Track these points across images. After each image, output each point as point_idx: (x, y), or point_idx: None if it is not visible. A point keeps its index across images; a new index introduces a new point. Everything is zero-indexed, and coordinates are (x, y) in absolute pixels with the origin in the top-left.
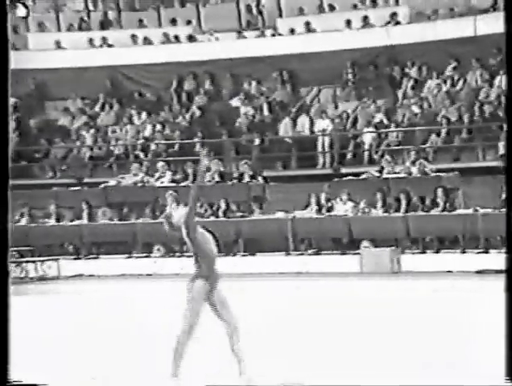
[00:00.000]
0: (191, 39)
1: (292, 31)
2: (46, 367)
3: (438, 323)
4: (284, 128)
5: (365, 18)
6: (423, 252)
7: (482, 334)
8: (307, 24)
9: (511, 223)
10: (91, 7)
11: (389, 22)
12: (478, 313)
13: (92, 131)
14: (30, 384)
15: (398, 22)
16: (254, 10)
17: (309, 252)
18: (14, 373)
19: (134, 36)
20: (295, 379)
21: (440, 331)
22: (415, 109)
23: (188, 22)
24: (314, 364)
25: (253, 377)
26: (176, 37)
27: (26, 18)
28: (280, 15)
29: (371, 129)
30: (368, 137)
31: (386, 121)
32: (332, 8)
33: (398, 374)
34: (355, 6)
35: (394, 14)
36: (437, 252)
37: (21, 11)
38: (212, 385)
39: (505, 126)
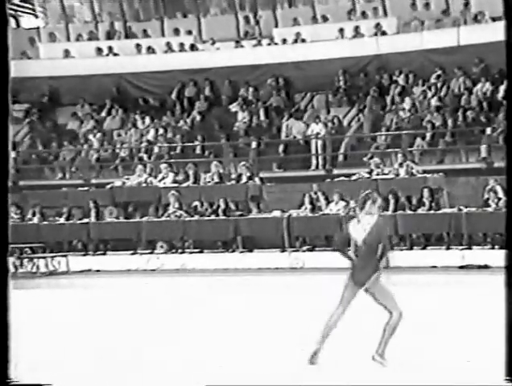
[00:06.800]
0: (192, 48)
1: (287, 41)
2: (58, 358)
3: (428, 317)
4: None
5: (356, 28)
6: (411, 249)
7: (473, 326)
8: (301, 34)
9: (511, 220)
10: (98, 18)
11: (383, 33)
12: (466, 307)
13: (98, 135)
14: (32, 384)
15: (387, 33)
16: (252, 21)
17: (304, 248)
18: (24, 366)
19: (138, 45)
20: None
21: (432, 325)
22: (402, 114)
23: (190, 32)
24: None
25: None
26: (179, 46)
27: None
28: (276, 25)
29: None
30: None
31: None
32: (325, 19)
33: (395, 371)
34: (346, 17)
35: (382, 25)
36: (423, 248)
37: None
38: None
39: (488, 130)
